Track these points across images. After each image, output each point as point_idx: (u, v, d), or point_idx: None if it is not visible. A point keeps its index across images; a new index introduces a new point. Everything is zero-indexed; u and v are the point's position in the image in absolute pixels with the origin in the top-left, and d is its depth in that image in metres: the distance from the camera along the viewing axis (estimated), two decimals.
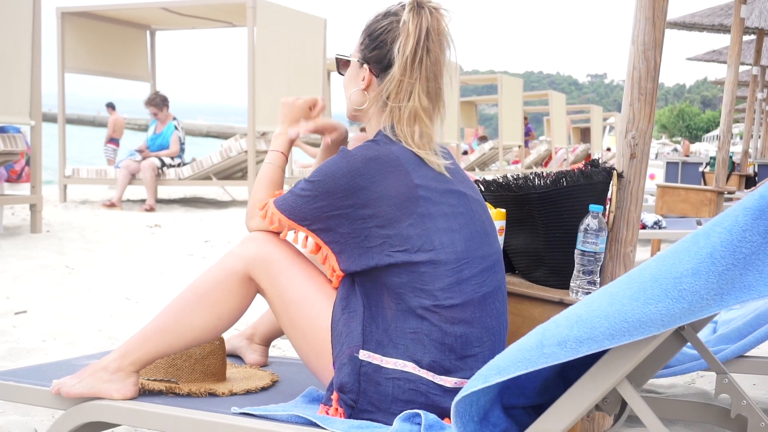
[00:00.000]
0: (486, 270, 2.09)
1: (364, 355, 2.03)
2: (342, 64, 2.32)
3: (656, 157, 39.16)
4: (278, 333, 2.72)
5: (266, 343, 2.75)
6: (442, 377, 1.99)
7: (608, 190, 2.59)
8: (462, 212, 2.11)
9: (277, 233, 2.24)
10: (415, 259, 2.02)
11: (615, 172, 2.61)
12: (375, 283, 2.07)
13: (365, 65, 2.22)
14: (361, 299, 2.09)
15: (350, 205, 2.05)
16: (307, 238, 2.17)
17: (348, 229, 2.07)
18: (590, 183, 2.52)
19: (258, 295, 2.28)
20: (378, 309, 2.06)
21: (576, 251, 2.43)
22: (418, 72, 2.15)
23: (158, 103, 11.06)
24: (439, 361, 2.00)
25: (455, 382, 1.99)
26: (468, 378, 1.99)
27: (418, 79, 2.16)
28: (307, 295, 2.17)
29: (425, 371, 1.99)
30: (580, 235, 2.41)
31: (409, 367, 2.00)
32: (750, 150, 12.89)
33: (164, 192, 13.12)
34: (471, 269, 2.05)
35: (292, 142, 2.42)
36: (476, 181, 2.86)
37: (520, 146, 19.68)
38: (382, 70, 2.19)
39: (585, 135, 28.18)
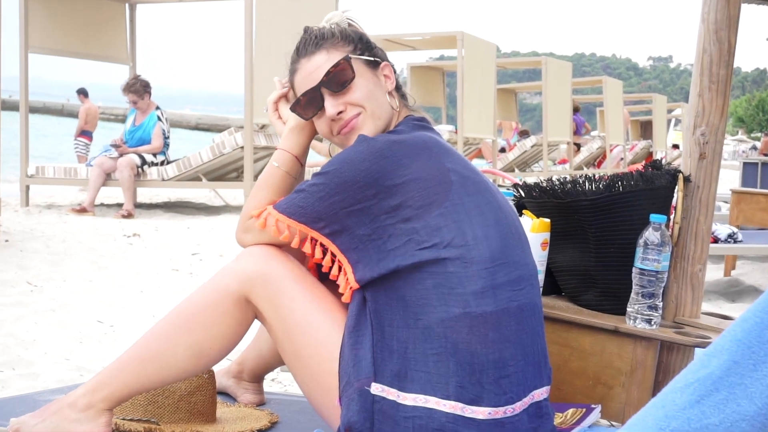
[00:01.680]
0: (523, 278, 2.10)
1: (376, 388, 2.03)
2: (347, 74, 2.28)
3: (731, 156, 38.98)
4: (271, 366, 2.72)
5: (257, 379, 2.76)
6: (473, 408, 1.98)
7: (673, 196, 2.59)
8: (496, 208, 2.12)
9: (279, 246, 2.25)
10: (444, 255, 2.02)
11: (681, 175, 2.60)
12: (389, 296, 2.07)
13: (383, 63, 2.34)
14: (369, 319, 2.09)
15: (373, 195, 2.06)
16: (315, 246, 2.17)
17: (368, 229, 2.08)
18: (651, 188, 2.51)
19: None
20: (391, 329, 2.05)
21: (634, 270, 2.43)
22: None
23: (138, 89, 11.11)
24: (468, 386, 1.99)
25: (489, 413, 1.99)
26: (504, 405, 1.99)
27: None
28: (313, 319, 2.17)
29: (452, 403, 1.98)
30: (639, 251, 2.40)
31: (432, 402, 1.99)
32: None
33: (145, 195, 13.17)
34: (507, 273, 2.06)
35: (310, 139, 2.42)
36: (515, 185, 2.86)
37: (568, 143, 19.64)
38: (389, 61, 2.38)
39: (646, 130, 28.10)
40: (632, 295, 2.45)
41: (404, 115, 2.33)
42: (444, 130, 15.41)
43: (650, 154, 25.08)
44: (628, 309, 2.47)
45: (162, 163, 11.16)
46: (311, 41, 2.32)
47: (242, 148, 10.77)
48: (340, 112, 2.25)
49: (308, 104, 2.30)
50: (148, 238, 8.38)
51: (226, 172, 11.59)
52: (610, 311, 2.58)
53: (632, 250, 2.45)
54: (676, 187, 2.58)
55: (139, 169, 10.88)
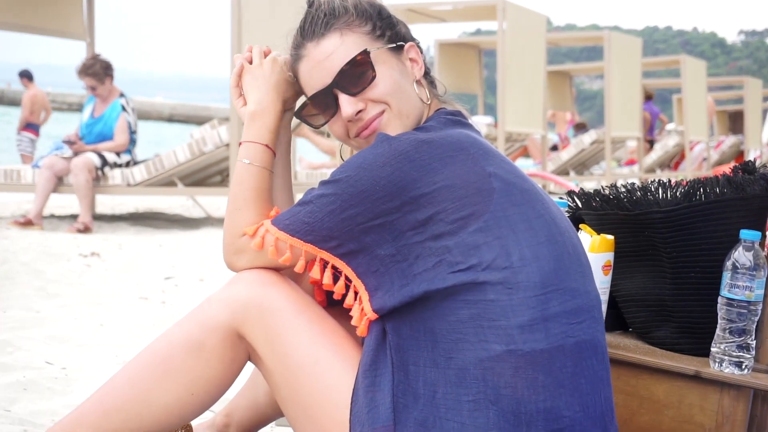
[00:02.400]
0: (582, 309, 2.10)
1: None
2: (367, 70, 2.32)
3: None
4: (267, 418, 2.73)
5: None
6: None
7: None
8: (549, 222, 2.13)
9: (278, 269, 2.26)
10: (483, 279, 2.03)
11: None
12: (415, 328, 2.07)
13: (407, 44, 2.39)
14: (390, 355, 2.10)
15: (397, 208, 2.07)
16: (326, 269, 2.18)
17: (391, 248, 2.09)
18: (741, 198, 2.51)
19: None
20: (417, 369, 2.06)
21: (720, 299, 2.43)
22: None
23: (98, 71, 11.14)
24: None
25: None
26: None
27: None
28: (320, 358, 2.18)
29: None
30: (727, 276, 2.40)
31: None
32: None
33: (106, 204, 13.21)
34: (562, 302, 2.06)
35: (279, 120, 2.46)
36: (570, 192, 2.86)
37: (638, 138, 19.61)
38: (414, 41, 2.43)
39: (736, 122, 28.00)
40: (718, 331, 2.45)
41: (435, 107, 2.35)
42: (481, 123, 15.40)
43: (741, 153, 24.99)
44: (712, 349, 2.47)
45: (127, 164, 11.19)
46: (319, 20, 2.34)
47: (227, 145, 10.78)
48: (360, 111, 2.28)
49: (319, 108, 2.33)
50: (110, 257, 8.41)
51: (207, 175, 11.62)
52: (690, 352, 2.58)
53: (718, 275, 2.45)
54: None
55: (99, 172, 10.91)
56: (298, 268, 2.20)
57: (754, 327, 2.43)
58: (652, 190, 2.62)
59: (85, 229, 10.21)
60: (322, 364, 2.18)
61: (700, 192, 2.54)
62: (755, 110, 27.16)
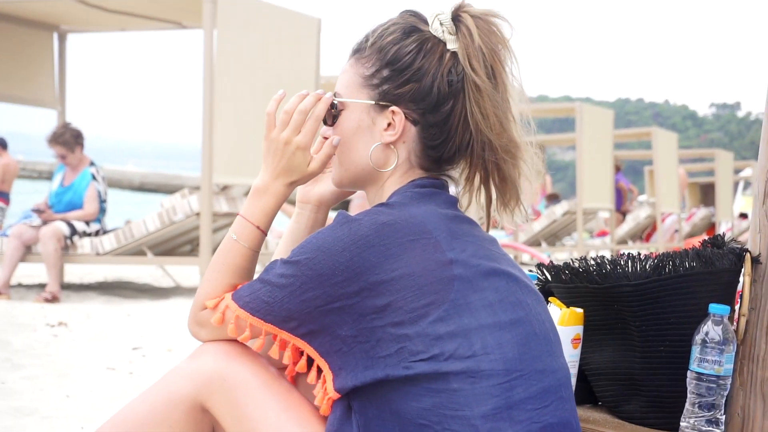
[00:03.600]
0: (548, 391, 2.09)
1: None
2: (332, 108, 2.34)
3: None
4: None
5: None
6: None
7: (738, 282, 2.60)
8: (514, 304, 2.12)
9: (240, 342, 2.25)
10: (445, 369, 2.02)
11: (748, 255, 2.61)
12: (382, 408, 2.07)
13: (393, 108, 2.28)
14: None
15: (356, 293, 2.07)
16: (286, 347, 2.18)
17: (352, 329, 2.08)
18: (710, 272, 2.53)
19: None
20: None
21: (689, 374, 2.43)
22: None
23: (68, 140, 11.14)
24: None
25: None
26: None
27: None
28: (285, 431, 2.17)
29: None
30: (696, 350, 2.41)
31: None
32: None
33: (75, 273, 13.15)
34: (527, 387, 2.06)
35: (279, 204, 2.40)
36: (540, 265, 2.87)
37: (610, 210, 19.70)
38: (430, 110, 2.27)
39: (707, 194, 28.19)
40: (687, 405, 2.45)
41: (409, 178, 2.31)
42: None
43: (712, 225, 25.14)
44: (681, 424, 2.47)
45: (97, 233, 11.17)
46: (357, 43, 2.35)
47: (198, 215, 10.77)
48: (326, 138, 2.33)
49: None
50: (78, 327, 8.37)
51: (177, 244, 11.60)
52: (659, 426, 2.58)
53: (687, 349, 2.46)
54: (742, 270, 2.60)
55: (68, 241, 10.88)
56: (256, 346, 2.19)
57: (723, 401, 2.44)
58: (622, 263, 2.63)
59: (53, 299, 10.16)
60: None
61: (669, 266, 2.55)
62: (726, 182, 27.35)
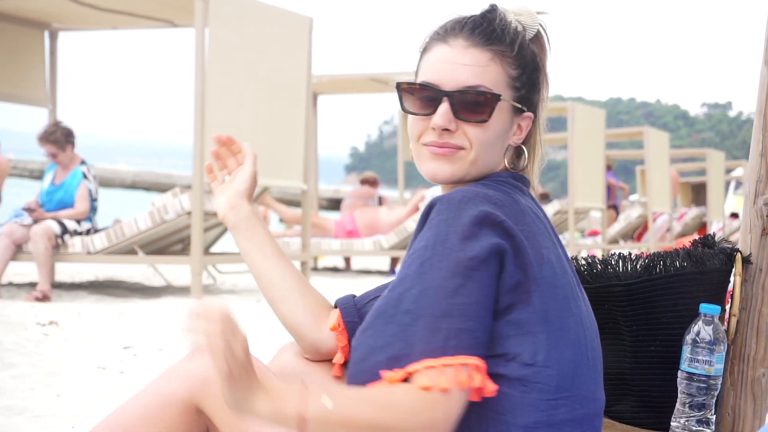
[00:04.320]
0: (587, 418, 2.08)
1: None
2: (483, 112, 2.24)
3: None
4: None
5: None
6: None
7: (728, 281, 2.60)
8: (578, 324, 2.13)
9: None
10: (503, 372, 2.02)
11: (739, 255, 2.62)
12: None
13: (529, 113, 2.32)
14: None
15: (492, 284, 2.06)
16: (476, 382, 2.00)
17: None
18: (701, 272, 2.53)
19: None
20: None
21: (680, 374, 2.43)
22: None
23: (59, 139, 11.12)
24: None
25: None
26: None
27: None
28: None
29: None
30: (687, 350, 2.41)
31: None
32: None
33: (66, 272, 13.13)
34: (570, 410, 2.05)
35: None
36: None
37: (601, 209, 19.70)
38: (534, 110, 2.34)
39: (699, 194, 28.22)
40: (678, 405, 2.45)
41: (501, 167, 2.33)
42: (436, 191, 15.46)
43: (704, 224, 25.16)
44: (672, 423, 2.47)
45: (88, 232, 11.16)
46: (484, 30, 2.25)
47: (189, 214, 10.76)
48: (447, 130, 2.22)
49: (418, 95, 2.26)
50: (69, 326, 8.35)
51: (168, 243, 11.58)
52: (650, 426, 2.58)
53: (678, 349, 2.46)
54: (733, 270, 2.60)
55: (59, 240, 10.87)
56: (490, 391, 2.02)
57: (714, 401, 2.44)
58: (612, 263, 2.63)
59: (44, 298, 10.14)
60: None
61: (660, 265, 2.55)
62: (718, 182, 27.39)
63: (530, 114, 2.31)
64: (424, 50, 2.31)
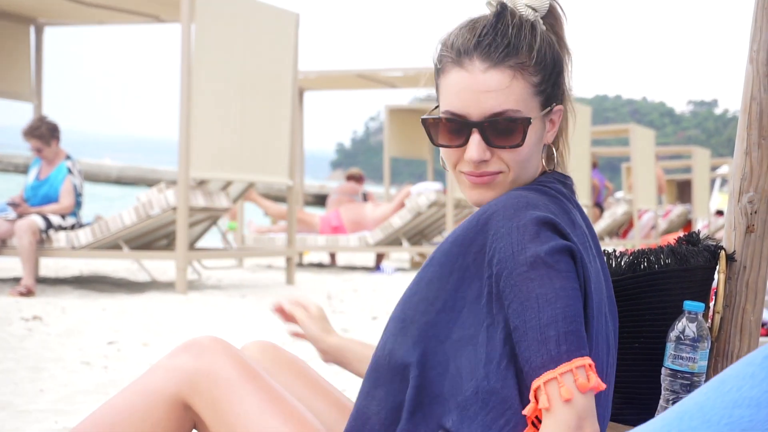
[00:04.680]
0: None
1: None
2: (516, 137, 2.21)
3: None
4: None
5: None
6: None
7: (712, 279, 2.60)
8: (605, 341, 2.19)
9: (220, 341, 2.25)
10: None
11: (723, 253, 2.62)
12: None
13: (557, 106, 2.29)
14: None
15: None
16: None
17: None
18: (685, 269, 2.53)
19: None
20: None
21: (663, 370, 2.43)
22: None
23: (44, 134, 11.10)
24: None
25: None
26: None
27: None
28: (268, 428, 2.17)
29: None
30: (670, 347, 2.41)
31: None
32: None
33: (50, 267, 13.11)
34: None
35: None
36: None
37: (587, 206, 19.72)
38: (561, 99, 2.32)
39: (684, 191, 28.28)
40: (661, 402, 2.45)
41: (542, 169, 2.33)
42: (430, 189, 15.48)
43: (689, 222, 25.21)
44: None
45: (72, 227, 11.14)
46: (498, 45, 2.18)
47: (175, 209, 10.75)
48: (484, 161, 2.20)
49: (447, 128, 2.23)
50: (53, 321, 8.34)
51: (153, 239, 11.56)
52: (633, 422, 2.58)
53: (661, 346, 2.46)
54: (717, 267, 2.60)
55: (43, 235, 10.85)
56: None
57: None
58: None
59: (28, 293, 10.12)
60: None
61: (644, 263, 2.55)
62: (703, 180, 27.45)
63: (560, 106, 2.29)
64: (440, 71, 2.25)
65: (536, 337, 1.98)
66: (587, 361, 1.99)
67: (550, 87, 2.24)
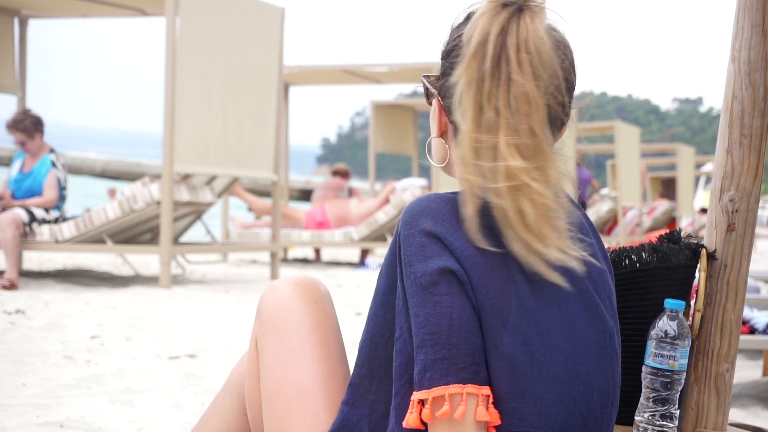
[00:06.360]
0: None
1: None
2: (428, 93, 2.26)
3: None
4: None
5: None
6: None
7: (693, 277, 2.61)
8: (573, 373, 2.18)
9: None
10: None
11: (704, 251, 2.63)
12: None
13: (437, 99, 2.25)
14: None
15: None
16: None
17: None
18: (666, 267, 2.54)
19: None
20: None
21: (644, 368, 2.44)
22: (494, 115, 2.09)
23: (27, 126, 11.08)
24: None
25: None
26: None
27: (497, 128, 2.10)
28: (306, 386, 2.22)
29: None
30: (651, 345, 2.42)
31: None
32: None
33: (33, 260, 13.09)
34: None
35: None
36: None
37: None
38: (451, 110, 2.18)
39: (669, 188, 28.33)
40: (642, 400, 2.46)
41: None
42: (416, 185, 15.49)
43: (673, 219, 25.26)
44: (636, 418, 2.48)
45: (56, 221, 11.12)
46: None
47: (159, 203, 10.75)
48: None
49: None
50: (36, 315, 8.33)
51: (137, 233, 11.56)
52: (615, 421, 2.59)
53: (642, 344, 2.47)
54: (698, 265, 2.61)
55: (27, 228, 10.83)
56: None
57: (678, 396, 2.45)
58: None
59: (11, 286, 10.11)
60: (303, 394, 2.19)
61: (626, 261, 2.56)
62: (688, 177, 27.52)
63: (438, 102, 2.27)
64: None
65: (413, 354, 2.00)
66: (455, 389, 1.93)
67: (441, 76, 2.24)
